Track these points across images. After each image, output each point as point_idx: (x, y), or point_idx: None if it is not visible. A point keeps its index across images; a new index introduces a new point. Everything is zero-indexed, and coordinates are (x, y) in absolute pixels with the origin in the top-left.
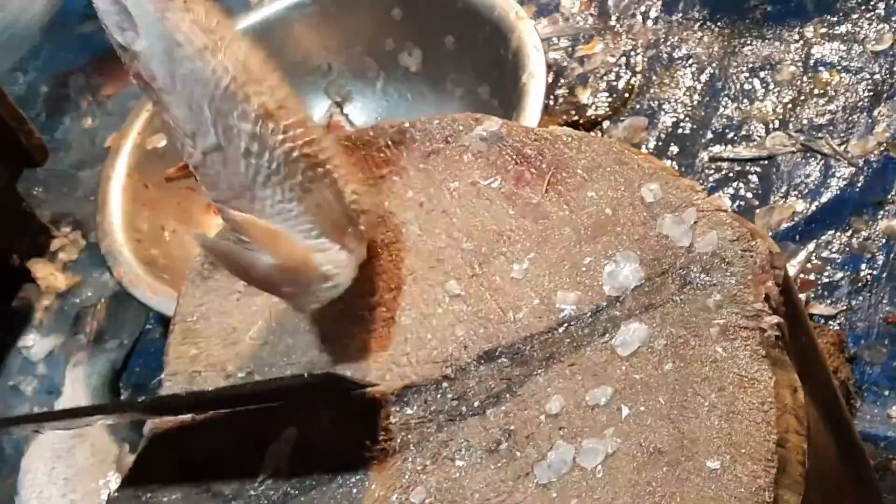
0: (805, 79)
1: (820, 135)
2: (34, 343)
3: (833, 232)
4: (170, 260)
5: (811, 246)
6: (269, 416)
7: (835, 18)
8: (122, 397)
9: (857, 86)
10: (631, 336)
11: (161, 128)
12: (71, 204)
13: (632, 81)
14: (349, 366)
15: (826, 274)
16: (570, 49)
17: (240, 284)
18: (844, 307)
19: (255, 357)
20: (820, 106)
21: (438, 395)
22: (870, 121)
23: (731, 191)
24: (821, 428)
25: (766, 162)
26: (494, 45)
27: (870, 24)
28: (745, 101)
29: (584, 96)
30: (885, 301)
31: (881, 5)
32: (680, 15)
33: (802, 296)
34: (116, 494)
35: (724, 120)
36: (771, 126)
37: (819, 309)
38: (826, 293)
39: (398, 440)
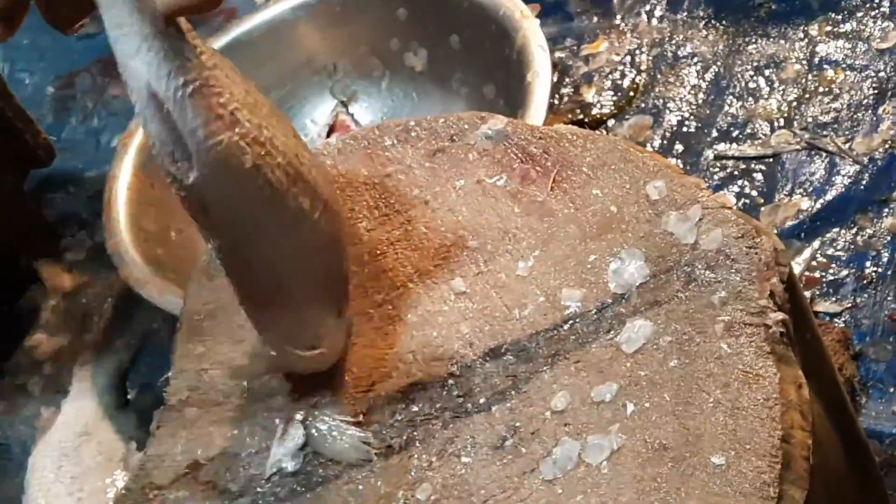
0: (810, 77)
1: (825, 133)
2: (41, 343)
3: (838, 229)
4: (176, 259)
5: (816, 243)
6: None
7: (840, 16)
8: (128, 396)
9: (861, 84)
10: (636, 333)
11: None
12: (77, 204)
13: (637, 80)
14: (354, 364)
15: (831, 271)
16: (575, 48)
17: None
18: (849, 304)
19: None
20: (825, 104)
21: (444, 393)
22: (874, 118)
23: (736, 189)
24: (825, 424)
25: (770, 160)
26: (500, 44)
27: (875, 22)
28: (750, 99)
29: (589, 95)
30: (890, 298)
31: (886, 3)
32: (685, 13)
33: (807, 293)
34: (124, 492)
35: (729, 118)
36: (776, 124)
37: (824, 306)
38: (831, 290)
39: (404, 437)
